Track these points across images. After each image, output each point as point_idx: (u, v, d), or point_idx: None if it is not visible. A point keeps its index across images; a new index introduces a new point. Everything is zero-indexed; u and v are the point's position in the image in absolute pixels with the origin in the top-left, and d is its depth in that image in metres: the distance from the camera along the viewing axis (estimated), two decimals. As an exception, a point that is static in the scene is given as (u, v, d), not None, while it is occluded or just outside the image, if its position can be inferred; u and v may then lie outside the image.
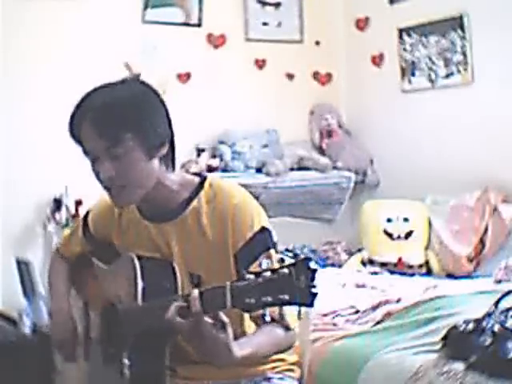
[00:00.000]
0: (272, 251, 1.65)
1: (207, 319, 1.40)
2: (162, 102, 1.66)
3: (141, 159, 1.59)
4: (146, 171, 1.61)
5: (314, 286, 1.28)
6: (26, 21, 3.60)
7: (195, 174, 1.78)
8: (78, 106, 1.62)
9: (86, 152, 1.64)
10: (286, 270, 1.30)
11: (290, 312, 1.59)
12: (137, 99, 1.61)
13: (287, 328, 1.62)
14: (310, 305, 1.29)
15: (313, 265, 1.29)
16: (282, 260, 1.34)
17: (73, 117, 1.62)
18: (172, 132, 1.67)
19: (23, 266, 3.28)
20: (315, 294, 1.28)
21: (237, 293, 1.34)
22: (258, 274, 1.33)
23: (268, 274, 1.31)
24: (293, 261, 1.32)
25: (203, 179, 1.72)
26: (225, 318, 1.41)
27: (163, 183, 1.67)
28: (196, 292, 1.40)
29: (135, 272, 1.62)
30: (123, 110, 1.58)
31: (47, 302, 3.10)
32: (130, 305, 1.61)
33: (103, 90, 1.63)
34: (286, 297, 1.29)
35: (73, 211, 3.59)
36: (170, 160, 1.68)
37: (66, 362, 1.85)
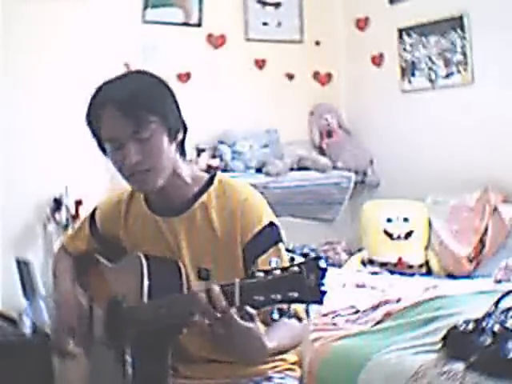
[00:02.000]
0: (280, 245, 1.68)
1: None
2: (172, 93, 1.69)
3: (164, 142, 1.63)
4: (167, 155, 1.64)
5: (323, 284, 1.30)
6: (25, 21, 3.59)
7: (205, 171, 1.80)
8: (96, 96, 1.64)
9: (106, 141, 1.64)
10: (296, 268, 1.31)
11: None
12: (153, 86, 1.66)
13: (300, 320, 1.63)
14: (320, 302, 1.31)
15: (323, 264, 1.31)
16: (292, 259, 1.35)
17: (91, 106, 1.64)
18: (184, 123, 1.71)
19: (23, 266, 3.28)
20: (324, 292, 1.30)
21: (246, 290, 1.35)
22: (267, 272, 1.34)
23: (278, 271, 1.33)
24: (303, 259, 1.33)
25: (213, 175, 1.75)
26: (251, 310, 1.41)
27: (177, 172, 1.69)
28: (217, 288, 1.40)
29: (142, 271, 1.62)
30: (147, 94, 1.62)
31: (47, 301, 3.12)
32: (135, 303, 1.62)
33: (120, 80, 1.67)
34: (296, 294, 1.30)
35: (73, 211, 3.59)
36: (182, 150, 1.72)
37: (77, 348, 1.81)
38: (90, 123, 1.65)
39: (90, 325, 1.79)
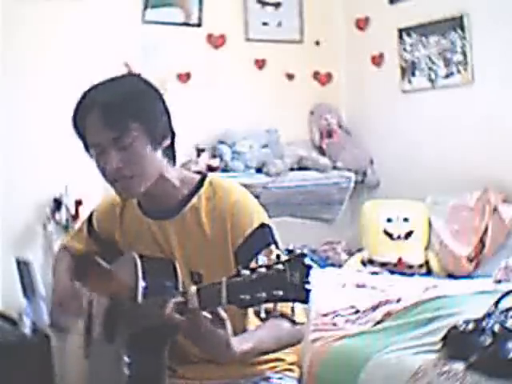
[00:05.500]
0: (273, 247, 1.65)
1: (206, 315, 1.41)
2: (162, 98, 1.68)
3: (146, 149, 1.61)
4: (151, 161, 1.63)
5: (308, 282, 1.28)
6: (26, 21, 3.60)
7: (197, 172, 1.79)
8: (82, 100, 1.64)
9: (90, 146, 1.64)
10: (280, 266, 1.30)
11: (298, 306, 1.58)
12: (140, 92, 1.64)
13: (294, 322, 1.61)
14: (305, 301, 1.29)
15: (307, 261, 1.29)
16: (278, 257, 1.34)
17: (77, 110, 1.64)
18: (172, 129, 1.69)
19: (23, 266, 3.28)
20: (309, 291, 1.28)
21: (232, 289, 1.34)
22: (253, 270, 1.33)
23: (263, 270, 1.31)
24: (287, 257, 1.32)
25: (203, 177, 1.73)
26: (223, 314, 1.42)
27: (165, 177, 1.68)
28: (194, 288, 1.41)
29: (137, 271, 1.62)
30: (129, 100, 1.60)
31: (47, 301, 3.12)
32: (130, 303, 1.62)
33: (106, 84, 1.66)
34: (280, 293, 1.28)
35: (73, 211, 3.59)
36: (171, 155, 1.70)
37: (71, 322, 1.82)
38: (75, 126, 1.64)
39: (88, 325, 1.79)
